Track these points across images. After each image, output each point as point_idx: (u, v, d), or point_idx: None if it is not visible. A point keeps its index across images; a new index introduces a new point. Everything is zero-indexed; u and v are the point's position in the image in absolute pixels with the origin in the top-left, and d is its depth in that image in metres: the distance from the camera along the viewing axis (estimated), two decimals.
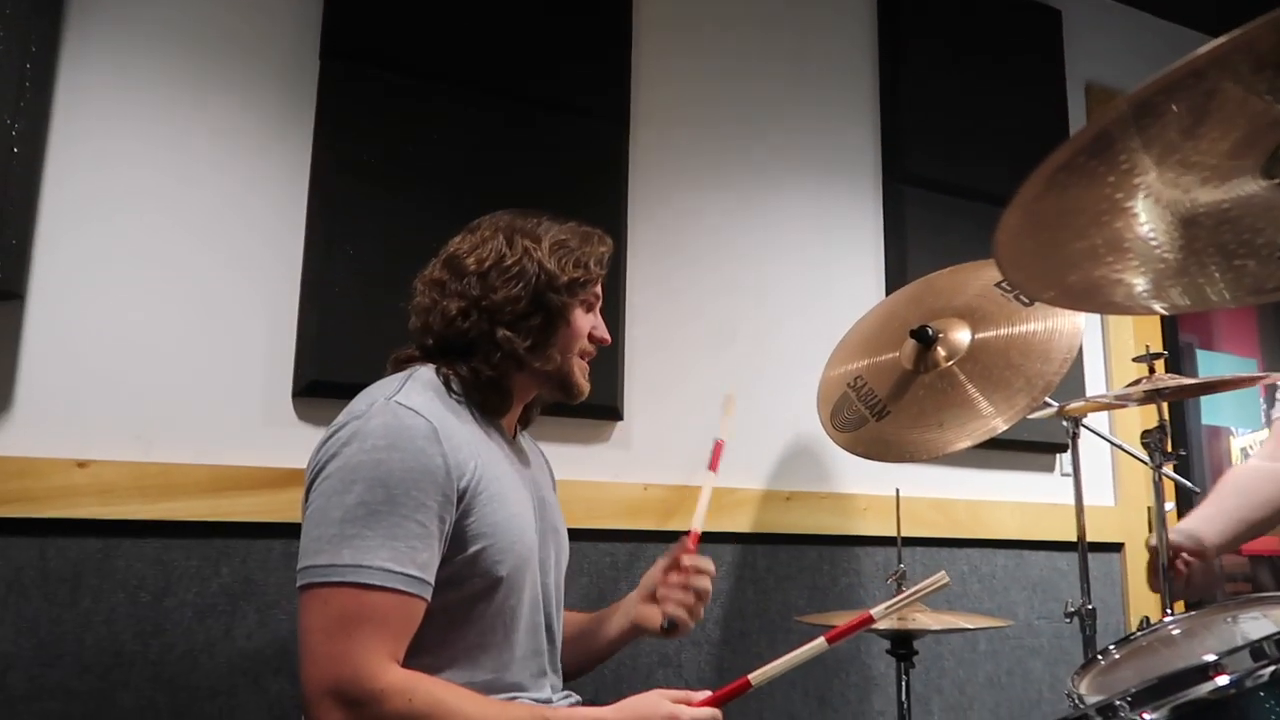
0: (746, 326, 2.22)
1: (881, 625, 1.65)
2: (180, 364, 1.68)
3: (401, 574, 1.12)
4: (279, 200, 1.79)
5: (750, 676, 1.25)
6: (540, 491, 1.39)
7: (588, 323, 1.37)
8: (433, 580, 1.16)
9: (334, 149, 1.80)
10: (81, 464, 1.56)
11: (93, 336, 1.62)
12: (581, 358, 1.38)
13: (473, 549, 1.19)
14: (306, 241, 1.78)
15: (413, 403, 1.19)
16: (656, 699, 1.23)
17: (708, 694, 1.25)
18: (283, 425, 1.74)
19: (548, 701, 1.29)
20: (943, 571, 1.29)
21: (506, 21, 2.00)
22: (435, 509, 1.15)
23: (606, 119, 2.09)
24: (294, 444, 1.73)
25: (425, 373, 1.28)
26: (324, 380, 1.73)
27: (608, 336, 1.41)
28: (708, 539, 2.05)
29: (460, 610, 1.20)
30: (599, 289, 1.40)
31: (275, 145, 1.80)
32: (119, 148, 1.67)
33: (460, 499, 1.18)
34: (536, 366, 1.31)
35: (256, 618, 1.66)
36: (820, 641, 1.26)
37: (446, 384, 1.28)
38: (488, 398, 1.30)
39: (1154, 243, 0.84)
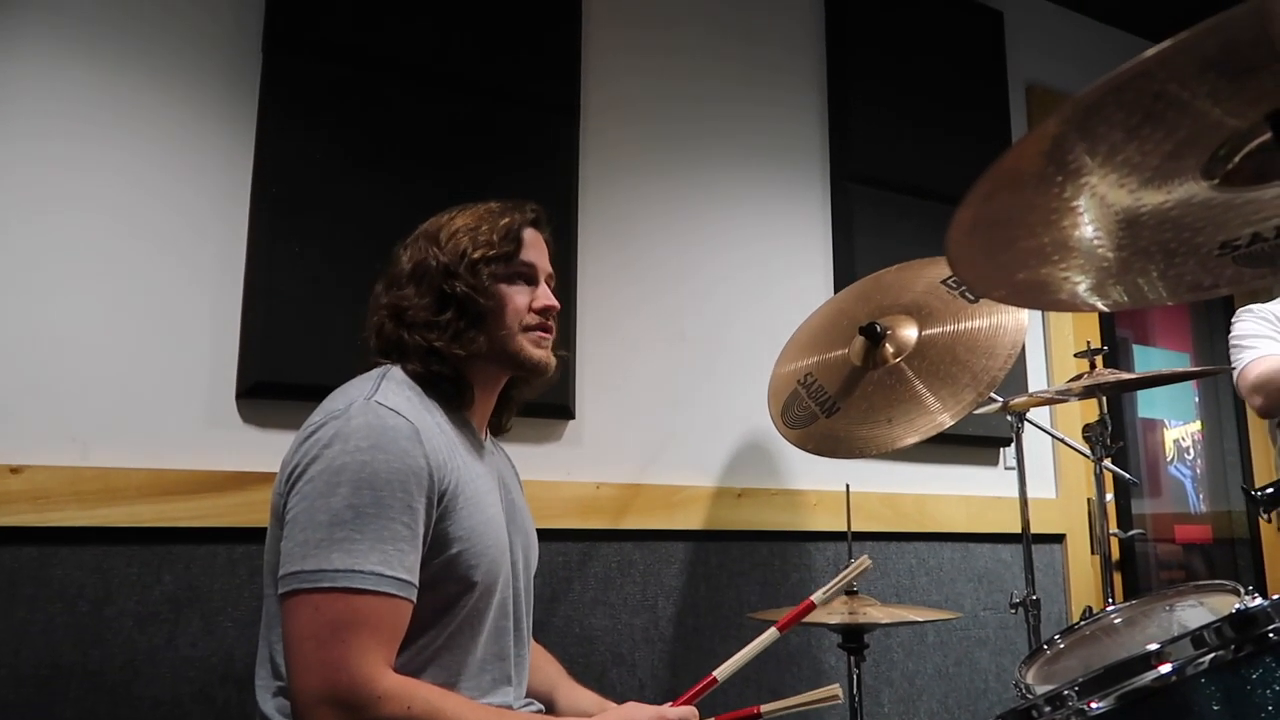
0: (697, 323, 2.23)
1: (833, 620, 1.69)
2: (118, 365, 1.63)
3: (393, 578, 1.10)
4: (221, 197, 1.75)
5: (715, 673, 1.30)
6: (510, 494, 1.38)
7: (524, 296, 1.33)
8: (418, 582, 1.15)
9: (278, 143, 1.77)
10: (15, 469, 1.51)
11: (26, 338, 1.57)
12: (530, 331, 1.33)
13: (449, 552, 1.18)
14: (250, 239, 1.74)
15: (392, 403, 1.18)
16: (635, 706, 1.24)
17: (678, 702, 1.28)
18: (226, 427, 1.70)
19: (506, 709, 1.28)
20: (865, 556, 1.44)
21: (454, 10, 1.98)
22: (420, 510, 1.14)
23: (557, 110, 2.08)
24: (238, 446, 1.69)
25: (397, 372, 1.27)
26: (269, 381, 1.70)
27: (553, 303, 1.36)
28: (660, 536, 2.07)
29: (431, 614, 1.19)
30: (531, 258, 1.35)
31: (217, 140, 1.76)
32: (52, 146, 1.62)
33: (440, 500, 1.17)
34: (472, 353, 1.29)
35: (201, 625, 1.62)
36: (772, 631, 1.33)
37: (417, 381, 1.27)
38: (447, 390, 1.29)
39: (1098, 242, 0.86)
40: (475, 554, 1.20)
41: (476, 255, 1.29)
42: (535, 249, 1.37)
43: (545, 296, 1.35)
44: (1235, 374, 2.25)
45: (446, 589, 1.19)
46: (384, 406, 1.16)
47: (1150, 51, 0.60)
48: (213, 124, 1.76)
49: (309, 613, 1.08)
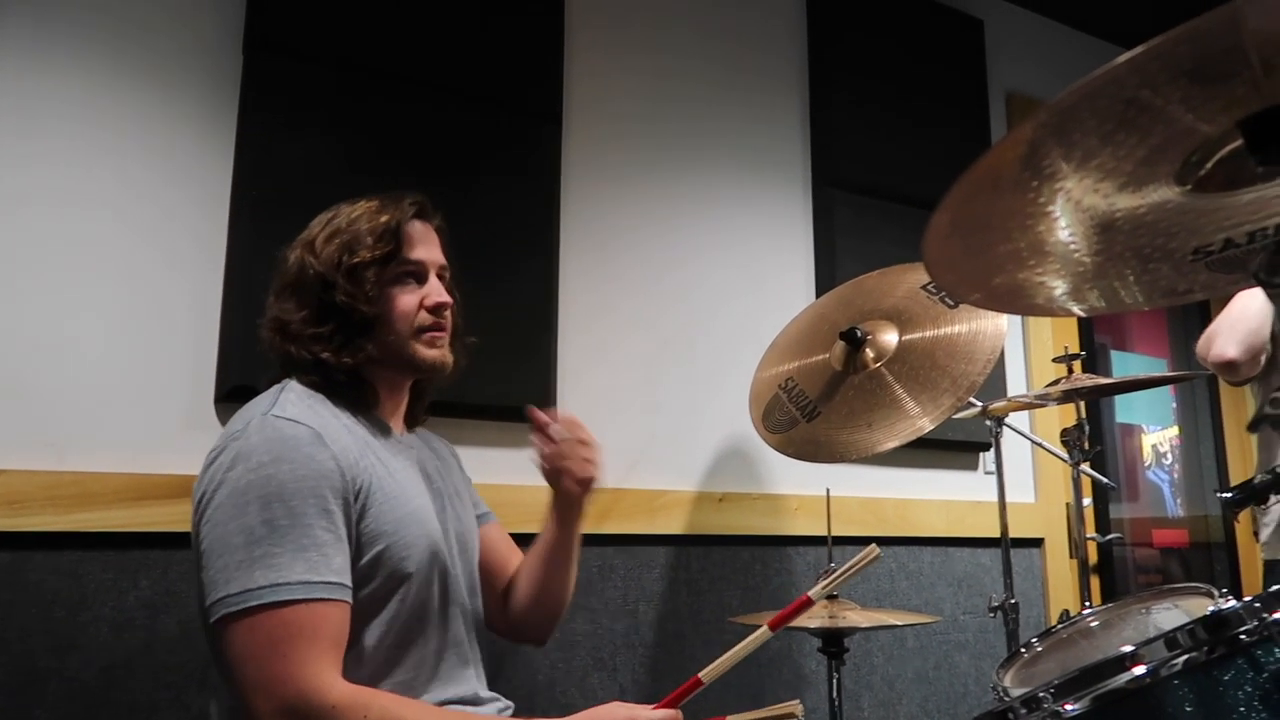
0: (679, 328, 2.23)
1: (813, 624, 1.68)
2: (95, 368, 1.62)
3: (321, 582, 1.10)
4: (202, 198, 1.73)
5: (701, 674, 1.26)
6: (436, 483, 1.37)
7: (412, 296, 1.29)
8: (350, 582, 1.14)
9: (258, 145, 1.76)
10: None
11: (1, 340, 1.55)
12: (423, 333, 1.30)
13: (377, 548, 1.18)
14: (230, 241, 1.73)
15: (290, 413, 1.17)
16: (615, 706, 1.23)
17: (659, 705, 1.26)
18: (205, 430, 1.69)
19: (474, 698, 1.27)
20: (873, 545, 1.32)
21: (437, 15, 1.97)
22: (337, 511, 1.13)
23: (539, 114, 2.08)
24: None
25: (295, 384, 1.26)
26: (249, 385, 1.68)
27: (444, 299, 1.32)
28: (642, 540, 2.07)
29: (375, 613, 1.18)
30: (417, 255, 1.31)
31: (197, 141, 1.75)
32: (32, 144, 1.61)
33: (356, 498, 1.17)
34: (361, 361, 1.26)
35: (178, 631, 1.60)
36: (763, 630, 1.28)
37: (317, 390, 1.25)
38: (349, 394, 1.27)
39: (1074, 246, 0.87)
40: (404, 545, 1.20)
41: (354, 261, 1.25)
42: (422, 244, 1.32)
43: (436, 293, 1.31)
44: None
45: (383, 585, 1.19)
46: (281, 418, 1.16)
47: (1123, 58, 0.61)
48: (194, 125, 1.75)
49: (243, 635, 1.07)
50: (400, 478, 1.26)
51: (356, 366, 1.27)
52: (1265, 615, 0.89)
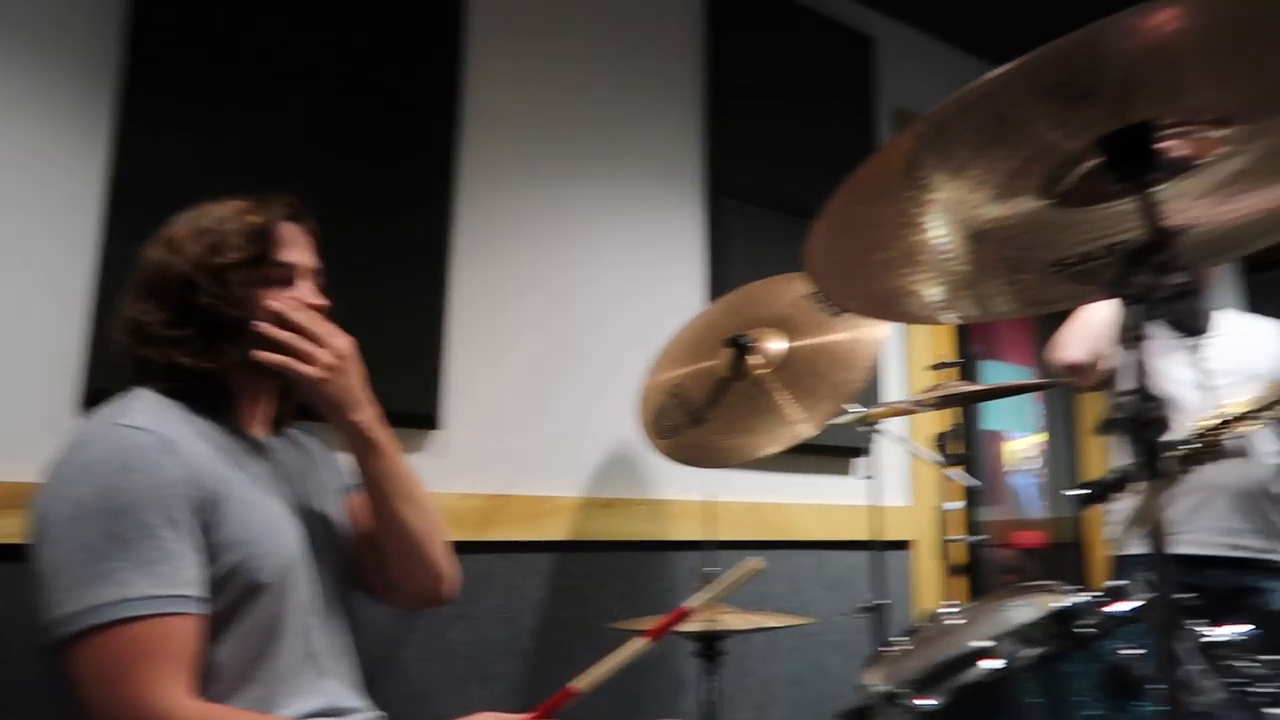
0: (569, 333, 2.21)
1: (690, 628, 1.69)
2: None
3: (169, 596, 1.04)
4: (70, 193, 1.62)
5: (574, 684, 1.23)
6: (302, 485, 1.31)
7: (283, 301, 1.24)
8: (204, 594, 1.09)
9: (137, 139, 1.66)
10: None
11: None
12: None
13: (229, 560, 1.12)
14: (105, 239, 1.62)
15: (136, 421, 1.11)
16: (485, 716, 1.19)
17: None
18: (65, 437, 1.58)
19: (334, 710, 1.22)
20: (755, 559, 1.29)
21: (334, 10, 1.92)
22: (184, 522, 1.08)
23: (435, 116, 2.04)
24: None
25: (144, 390, 1.19)
26: (116, 389, 1.59)
27: (316, 302, 1.28)
28: (524, 547, 2.04)
29: (225, 623, 1.13)
30: (289, 257, 1.26)
31: (65, 133, 1.63)
32: None
33: (208, 508, 1.11)
34: (225, 366, 1.21)
35: (30, 651, 1.50)
36: (640, 641, 1.25)
37: (168, 396, 1.19)
38: (204, 400, 1.21)
39: (946, 255, 0.90)
40: (259, 556, 1.15)
41: (220, 261, 1.20)
42: (293, 246, 1.28)
43: (307, 296, 1.28)
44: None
45: (236, 597, 1.13)
46: (127, 427, 1.10)
47: (992, 73, 0.63)
48: (66, 117, 1.63)
49: (86, 656, 1.02)
50: (259, 485, 1.20)
51: (216, 371, 1.21)
52: (1101, 610, 0.94)
